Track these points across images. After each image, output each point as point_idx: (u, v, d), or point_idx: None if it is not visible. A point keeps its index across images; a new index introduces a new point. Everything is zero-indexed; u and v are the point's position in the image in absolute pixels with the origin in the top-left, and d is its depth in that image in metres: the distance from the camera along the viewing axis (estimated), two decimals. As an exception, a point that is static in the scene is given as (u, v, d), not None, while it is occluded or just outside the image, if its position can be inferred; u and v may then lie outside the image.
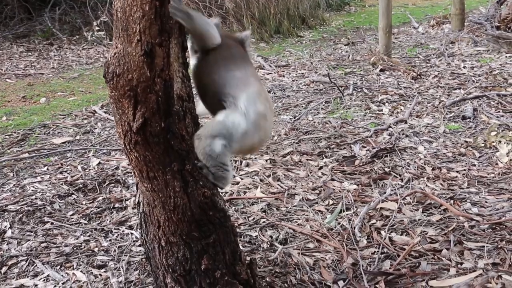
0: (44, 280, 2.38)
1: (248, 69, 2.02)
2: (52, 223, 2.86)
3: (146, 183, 1.81)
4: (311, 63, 6.64)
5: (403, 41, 7.82)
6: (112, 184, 3.32)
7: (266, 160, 3.56)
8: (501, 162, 3.42)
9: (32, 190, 3.26)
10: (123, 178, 3.36)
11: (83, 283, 2.34)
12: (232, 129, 1.86)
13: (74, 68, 7.01)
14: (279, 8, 8.82)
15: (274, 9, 8.65)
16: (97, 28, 7.99)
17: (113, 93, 1.69)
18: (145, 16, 1.60)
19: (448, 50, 6.81)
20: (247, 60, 2.07)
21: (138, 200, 2.03)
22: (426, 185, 3.13)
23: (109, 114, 4.68)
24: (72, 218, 2.92)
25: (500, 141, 3.68)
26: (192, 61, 2.03)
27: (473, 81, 5.35)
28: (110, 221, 2.86)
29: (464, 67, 5.95)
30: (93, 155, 3.83)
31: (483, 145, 3.72)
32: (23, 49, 7.91)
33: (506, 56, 6.26)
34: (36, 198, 3.13)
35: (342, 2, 11.86)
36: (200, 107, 2.07)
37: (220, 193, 2.00)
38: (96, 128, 4.44)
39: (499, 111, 4.39)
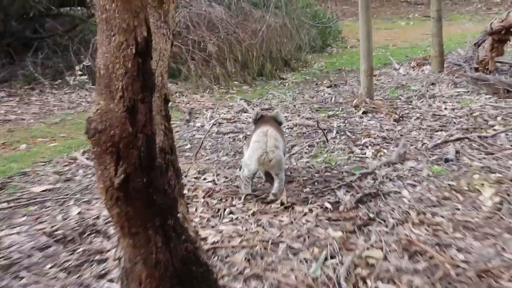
0: None
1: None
2: (29, 278, 2.80)
3: (127, 239, 1.80)
4: (294, 106, 6.74)
5: (385, 83, 7.99)
6: (93, 235, 3.28)
7: (249, 209, 3.56)
8: (485, 206, 3.46)
9: (9, 243, 3.20)
10: (104, 228, 3.32)
11: None
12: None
13: (55, 113, 7.00)
14: (262, 51, 8.99)
15: (257, 52, 8.82)
16: (79, 72, 8.04)
17: (95, 149, 1.70)
18: (127, 73, 1.64)
19: (429, 91, 6.97)
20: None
21: (119, 256, 2.01)
22: (411, 230, 3.14)
23: (91, 161, 4.66)
24: (50, 272, 2.86)
25: (483, 184, 3.73)
26: None
27: (454, 122, 5.47)
28: (90, 274, 2.81)
29: (445, 108, 6.09)
30: (73, 204, 3.79)
31: (466, 188, 3.76)
32: (4, 94, 7.89)
33: (485, 98, 6.42)
34: (13, 251, 3.07)
35: (324, 44, 12.13)
36: None
37: (203, 247, 1.99)
38: (77, 175, 4.41)
39: (481, 153, 4.47)
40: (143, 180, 1.74)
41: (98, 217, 3.51)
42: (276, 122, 4.11)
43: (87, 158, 4.80)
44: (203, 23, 8.74)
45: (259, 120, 4.11)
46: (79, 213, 3.61)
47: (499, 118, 5.47)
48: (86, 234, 3.29)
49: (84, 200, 3.86)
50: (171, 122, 2.15)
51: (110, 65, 1.63)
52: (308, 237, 3.13)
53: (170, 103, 2.10)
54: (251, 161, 3.66)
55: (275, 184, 3.71)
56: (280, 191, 3.68)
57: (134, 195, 1.74)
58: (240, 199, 3.69)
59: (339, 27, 13.62)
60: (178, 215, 1.89)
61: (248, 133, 5.59)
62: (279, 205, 3.57)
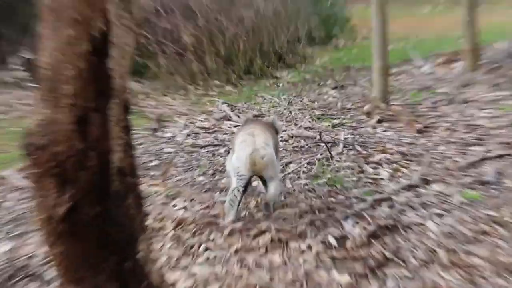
0: None
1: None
2: None
3: (72, 286, 1.79)
4: (290, 112, 6.77)
5: (405, 84, 8.05)
6: (26, 279, 3.24)
7: (231, 245, 3.55)
8: (534, 243, 3.47)
9: None
10: (41, 271, 3.28)
11: None
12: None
13: (-18, 118, 6.98)
14: (250, 43, 9.04)
15: (243, 44, 8.86)
16: (15, 66, 8.02)
17: (34, 170, 1.69)
18: (79, 75, 1.63)
19: (461, 95, 7.02)
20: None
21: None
22: (439, 274, 3.14)
23: (28, 183, 4.63)
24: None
25: (532, 215, 3.75)
26: None
27: (493, 135, 5.50)
28: (22, 332, 2.78)
29: (482, 116, 6.12)
30: (2, 238, 3.76)
31: (510, 219, 3.77)
32: None
33: (533, 103, 6.47)
34: None
35: (327, 34, 12.21)
36: None
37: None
38: (8, 201, 4.40)
39: (528, 174, 4.50)
40: (95, 210, 1.73)
41: (33, 256, 3.47)
42: (272, 129, 4.21)
43: (23, 178, 4.76)
44: (177, 7, 8.78)
45: (248, 123, 4.25)
46: (9, 250, 3.58)
47: (551, 130, 5.53)
48: (17, 278, 3.25)
49: (15, 233, 3.83)
50: (133, 133, 2.14)
51: (57, 64, 1.63)
52: (307, 282, 3.12)
53: (132, 109, 2.09)
54: (240, 162, 3.76)
55: (270, 188, 3.83)
56: (277, 196, 3.83)
57: (83, 229, 1.72)
58: (221, 231, 3.67)
59: (347, 13, 13.74)
60: (139, 254, 1.88)
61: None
62: (269, 240, 3.56)
